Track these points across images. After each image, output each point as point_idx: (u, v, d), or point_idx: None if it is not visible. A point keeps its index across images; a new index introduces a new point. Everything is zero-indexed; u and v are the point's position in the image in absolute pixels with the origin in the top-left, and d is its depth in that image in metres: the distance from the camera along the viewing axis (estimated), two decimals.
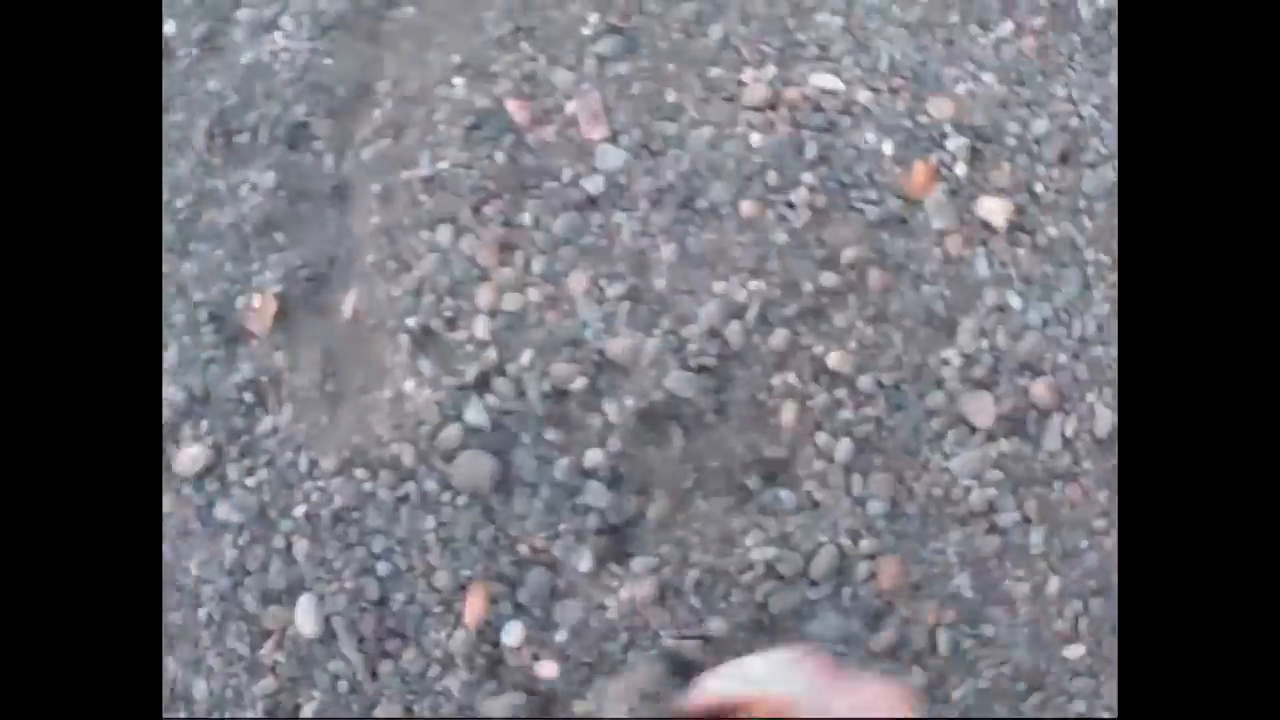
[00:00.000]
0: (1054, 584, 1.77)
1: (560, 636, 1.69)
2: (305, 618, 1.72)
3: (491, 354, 1.73)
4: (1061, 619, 1.76)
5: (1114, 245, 1.88)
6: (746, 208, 1.78)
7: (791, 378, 1.74)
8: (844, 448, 1.73)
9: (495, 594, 1.70)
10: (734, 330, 1.74)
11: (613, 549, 1.72)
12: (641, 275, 1.76)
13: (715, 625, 1.71)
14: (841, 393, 1.74)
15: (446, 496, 1.71)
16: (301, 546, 1.72)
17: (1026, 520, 1.77)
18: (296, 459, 1.75)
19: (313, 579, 1.72)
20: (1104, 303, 1.84)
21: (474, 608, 1.70)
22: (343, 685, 1.71)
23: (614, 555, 1.71)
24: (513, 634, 1.69)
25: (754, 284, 1.75)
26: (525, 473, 1.70)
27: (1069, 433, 1.80)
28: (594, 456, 1.71)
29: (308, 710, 1.70)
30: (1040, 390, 1.80)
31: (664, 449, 1.73)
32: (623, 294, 1.74)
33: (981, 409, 1.77)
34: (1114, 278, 1.87)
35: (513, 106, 1.82)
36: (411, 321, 1.74)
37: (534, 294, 1.74)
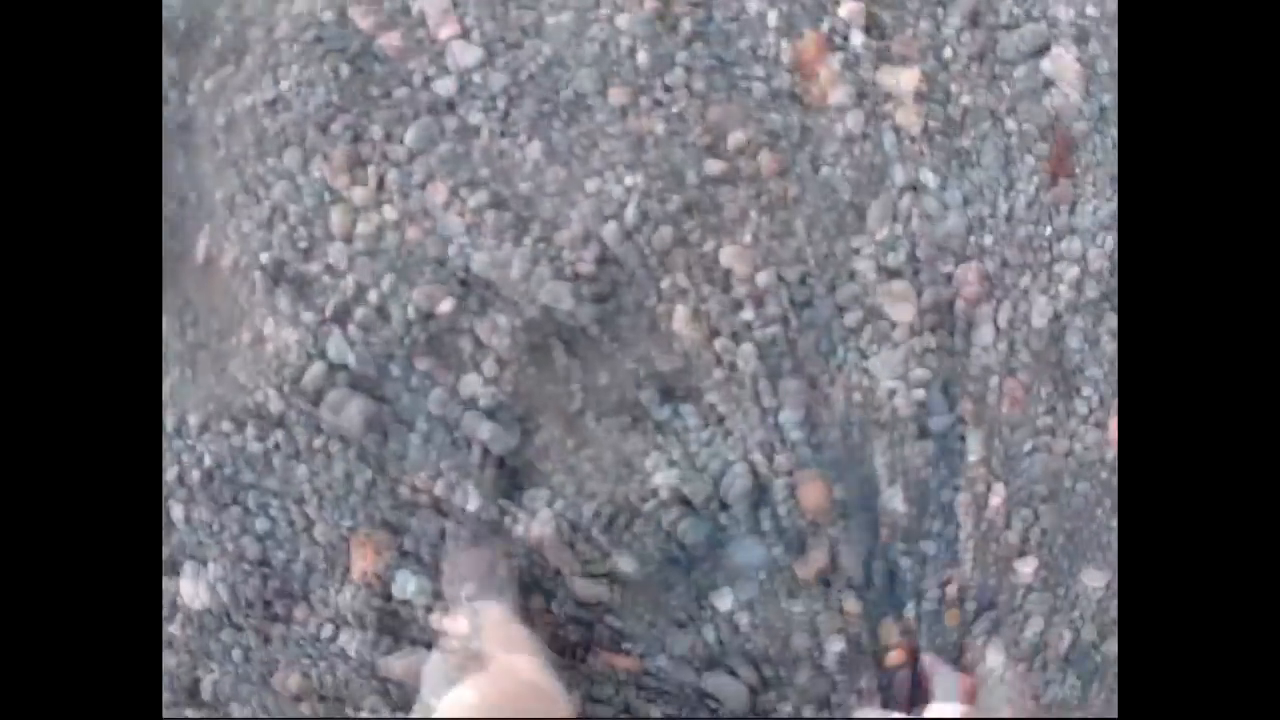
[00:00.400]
0: (998, 493, 1.59)
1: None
2: (191, 587, 1.61)
3: (350, 282, 1.58)
4: (1009, 531, 1.59)
5: (1035, 110, 1.66)
6: (616, 95, 1.58)
7: (681, 279, 1.56)
8: (747, 354, 1.56)
9: (380, 543, 1.57)
10: (611, 231, 1.56)
11: (501, 484, 1.58)
12: (505, 180, 1.58)
13: (624, 562, 1.57)
14: (739, 292, 1.56)
15: (318, 442, 1.58)
16: (177, 512, 1.60)
17: (961, 423, 1.59)
18: (161, 419, 1.63)
19: (193, 545, 1.61)
20: (1031, 177, 1.63)
21: (360, 560, 1.58)
22: (237, 654, 1.60)
23: (503, 490, 1.58)
24: (405, 585, 1.57)
25: (630, 179, 1.56)
26: (399, 409, 1.56)
27: (1003, 323, 1.61)
28: (471, 384, 1.56)
29: (207, 683, 1.60)
30: (966, 277, 1.61)
31: (547, 370, 1.57)
32: (486, 203, 1.56)
33: (901, 301, 1.59)
34: (1042, 148, 1.65)
35: (357, 14, 1.64)
36: (265, 257, 1.59)
37: (390, 212, 1.57)
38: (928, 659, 1.52)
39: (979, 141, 1.65)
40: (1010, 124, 1.66)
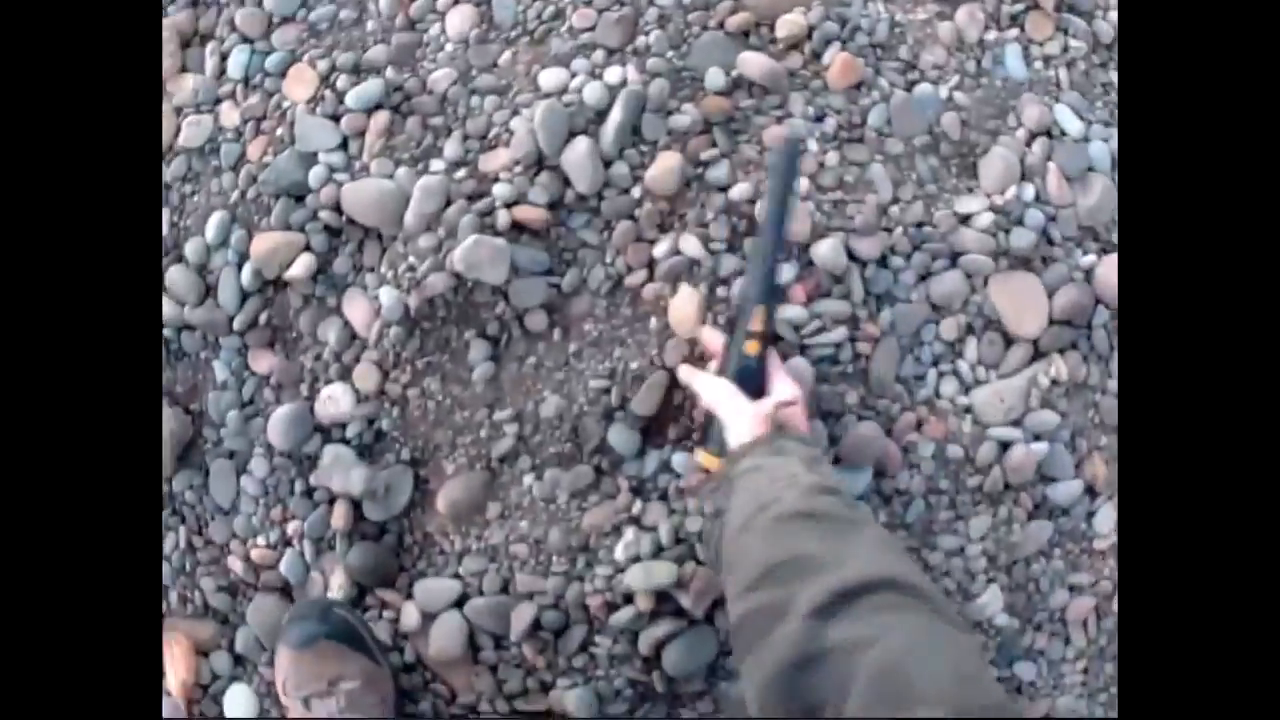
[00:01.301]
0: None
1: None
2: None
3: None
4: None
5: None
6: None
7: (685, 242, 0.95)
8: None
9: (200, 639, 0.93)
10: (580, 154, 0.91)
11: (376, 559, 0.95)
12: (408, 64, 0.93)
13: (573, 699, 0.98)
14: (783, 271, 0.97)
15: None
16: None
17: (1090, 494, 1.07)
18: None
19: None
20: None
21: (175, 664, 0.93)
22: None
23: (377, 570, 0.94)
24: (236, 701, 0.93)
25: (616, 70, 0.92)
26: (223, 438, 0.91)
27: None
28: (335, 402, 0.92)
29: None
30: (1112, 275, 1.07)
31: (457, 380, 0.94)
32: (377, 97, 0.91)
33: (1025, 305, 1.02)
34: None
35: None
36: None
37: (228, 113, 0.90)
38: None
39: None
40: None
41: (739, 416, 0.84)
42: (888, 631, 0.59)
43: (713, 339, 0.93)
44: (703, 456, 0.89)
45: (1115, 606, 1.08)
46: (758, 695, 0.63)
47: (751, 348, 0.89)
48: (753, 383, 0.88)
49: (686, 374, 0.93)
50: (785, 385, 0.88)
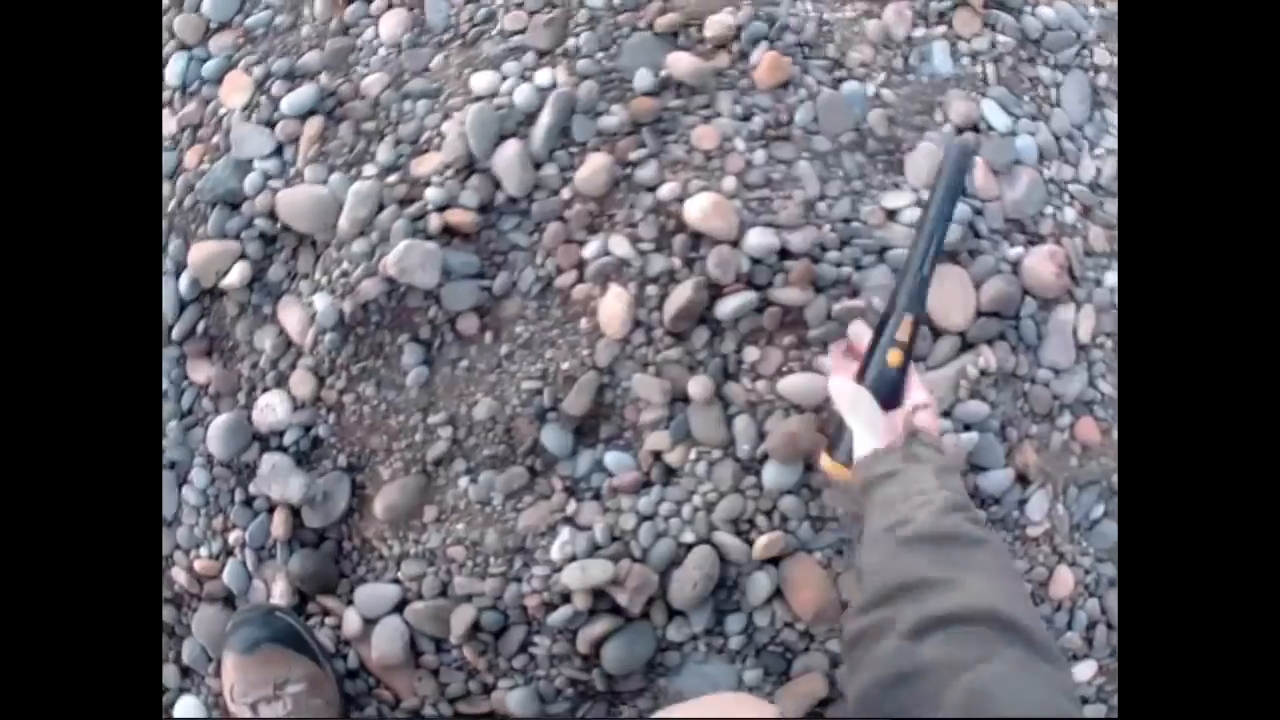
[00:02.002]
0: (1063, 579, 1.10)
1: None
2: None
3: None
4: (1071, 631, 1.11)
5: None
6: None
7: (615, 243, 0.96)
8: (716, 370, 0.98)
9: None
10: (509, 158, 0.92)
11: (316, 567, 0.95)
12: (341, 69, 0.93)
13: (514, 700, 0.99)
14: (711, 267, 0.98)
15: None
16: None
17: (1021, 482, 1.08)
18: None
19: None
20: None
21: None
22: None
23: (318, 578, 0.95)
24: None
25: (547, 73, 0.92)
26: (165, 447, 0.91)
27: (1084, 334, 1.09)
28: (272, 409, 0.92)
29: None
30: (1040, 266, 1.08)
31: (391, 386, 0.94)
32: (309, 103, 0.91)
33: (953, 298, 1.04)
34: None
35: None
36: None
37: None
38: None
39: (1059, 72, 1.11)
40: (1100, 54, 1.13)
41: (872, 426, 0.84)
42: (982, 659, 0.61)
43: (860, 337, 0.92)
44: (828, 464, 0.88)
45: (1051, 593, 1.10)
46: (854, 708, 0.65)
47: (894, 359, 0.86)
48: (890, 393, 0.86)
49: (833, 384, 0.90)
50: (920, 391, 0.87)
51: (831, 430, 0.90)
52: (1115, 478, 1.11)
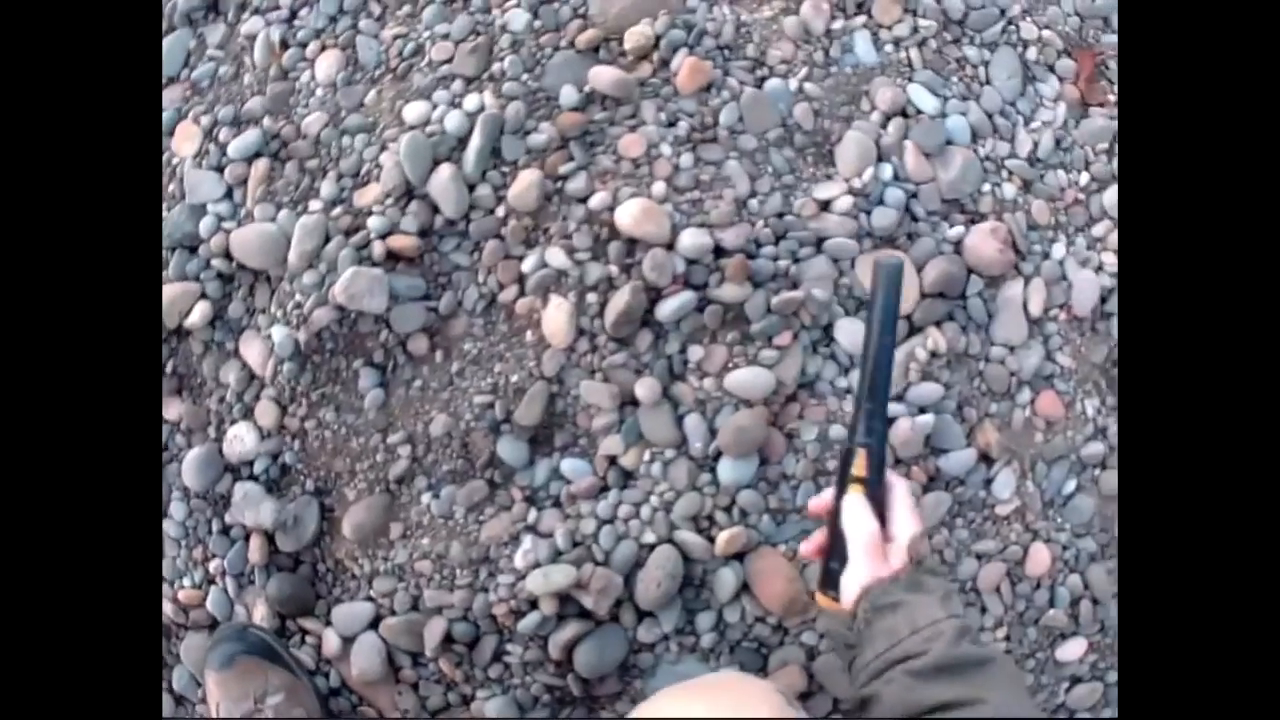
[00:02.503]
0: (1039, 556, 1.09)
1: None
2: None
3: None
4: (1054, 608, 1.10)
5: (1056, 13, 1.16)
6: None
7: (552, 255, 0.99)
8: (663, 373, 1.00)
9: None
10: (443, 182, 0.96)
11: (291, 589, 0.98)
12: (284, 113, 0.97)
13: (493, 709, 1.01)
14: (646, 270, 1.00)
15: None
16: None
17: (984, 461, 1.07)
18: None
19: None
20: (1056, 104, 1.11)
21: None
22: None
23: (293, 601, 0.98)
24: None
25: (475, 97, 0.96)
26: None
27: (1034, 309, 1.09)
28: (241, 440, 0.96)
29: None
30: (982, 243, 1.08)
31: (349, 410, 0.97)
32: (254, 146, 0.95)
33: None
34: (1066, 65, 1.15)
35: None
36: None
37: None
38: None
39: (986, 50, 1.12)
40: (1027, 29, 1.14)
41: (870, 554, 0.81)
42: None
43: (817, 505, 0.88)
44: (822, 600, 0.84)
45: (1028, 571, 1.09)
46: None
47: (858, 471, 0.82)
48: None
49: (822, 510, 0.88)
50: (914, 518, 0.84)
51: (824, 562, 0.85)
52: (1084, 450, 1.11)
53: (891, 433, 1.02)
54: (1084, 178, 1.12)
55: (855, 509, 0.84)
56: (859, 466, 0.82)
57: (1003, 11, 1.12)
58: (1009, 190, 1.09)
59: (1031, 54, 1.13)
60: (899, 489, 0.86)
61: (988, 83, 1.11)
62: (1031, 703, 0.74)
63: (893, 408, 1.02)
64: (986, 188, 1.08)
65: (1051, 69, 1.14)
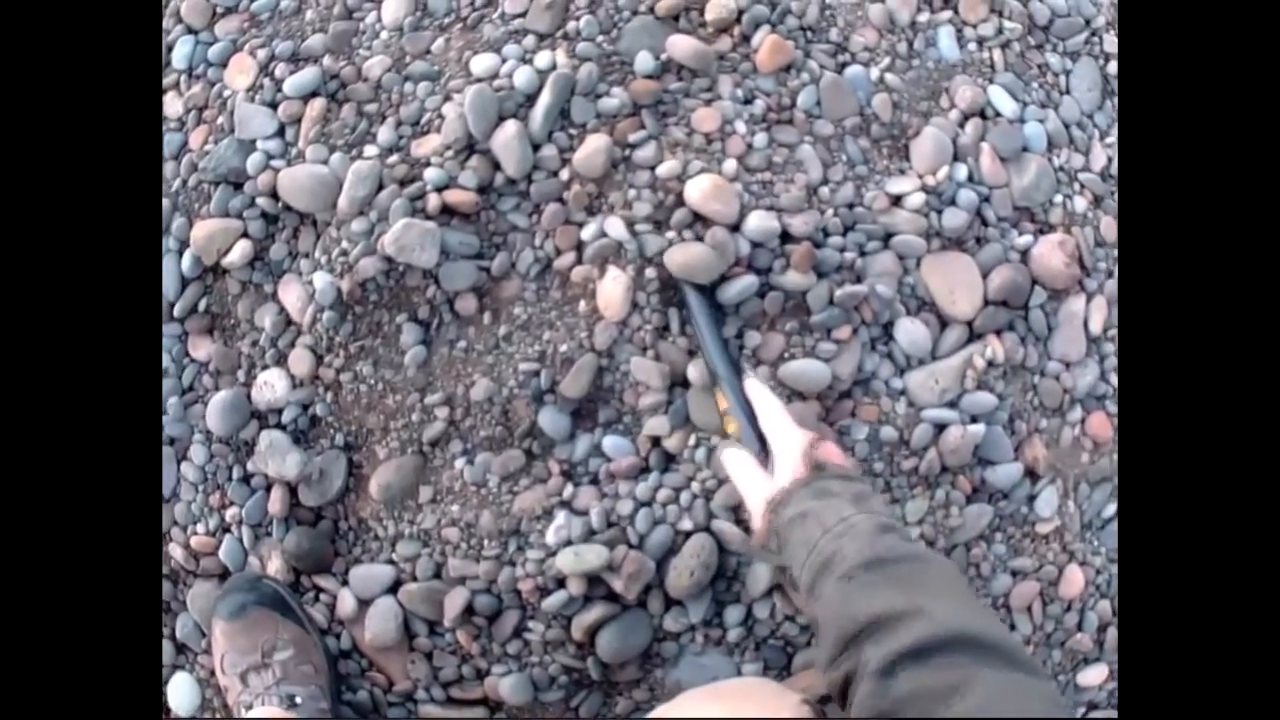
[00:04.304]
0: (1073, 578, 1.07)
1: None
2: None
3: None
4: (1082, 632, 1.08)
5: None
6: None
7: (612, 225, 0.95)
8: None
9: None
10: (507, 138, 0.92)
11: (311, 545, 0.95)
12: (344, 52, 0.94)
13: (508, 686, 0.98)
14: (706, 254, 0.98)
15: None
16: None
17: (1030, 477, 1.05)
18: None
19: None
20: None
21: None
22: None
23: (313, 557, 0.95)
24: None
25: (547, 55, 0.93)
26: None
27: (1095, 326, 1.06)
28: (272, 387, 0.92)
29: None
30: (1050, 254, 1.05)
31: (388, 365, 0.94)
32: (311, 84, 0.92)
33: (960, 285, 1.02)
34: None
35: None
36: None
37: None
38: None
39: (1068, 59, 1.10)
40: (1110, 42, 1.11)
41: (750, 488, 0.83)
42: (962, 686, 0.57)
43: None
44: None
45: (1061, 592, 1.07)
46: None
47: (729, 426, 0.90)
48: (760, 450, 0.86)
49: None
50: (790, 429, 0.84)
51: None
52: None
53: (941, 439, 1.00)
54: None
55: (727, 454, 0.87)
56: (720, 403, 0.92)
57: (1088, 22, 1.10)
58: (1080, 204, 1.06)
59: (1113, 67, 1.10)
60: (762, 402, 0.87)
61: (1067, 92, 1.08)
62: (977, 607, 0.68)
63: (945, 414, 1.00)
64: (1058, 199, 1.06)
65: None
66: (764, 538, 0.80)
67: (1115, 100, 1.11)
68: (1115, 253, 1.08)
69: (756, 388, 0.90)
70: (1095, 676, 1.10)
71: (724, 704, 0.81)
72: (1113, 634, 1.09)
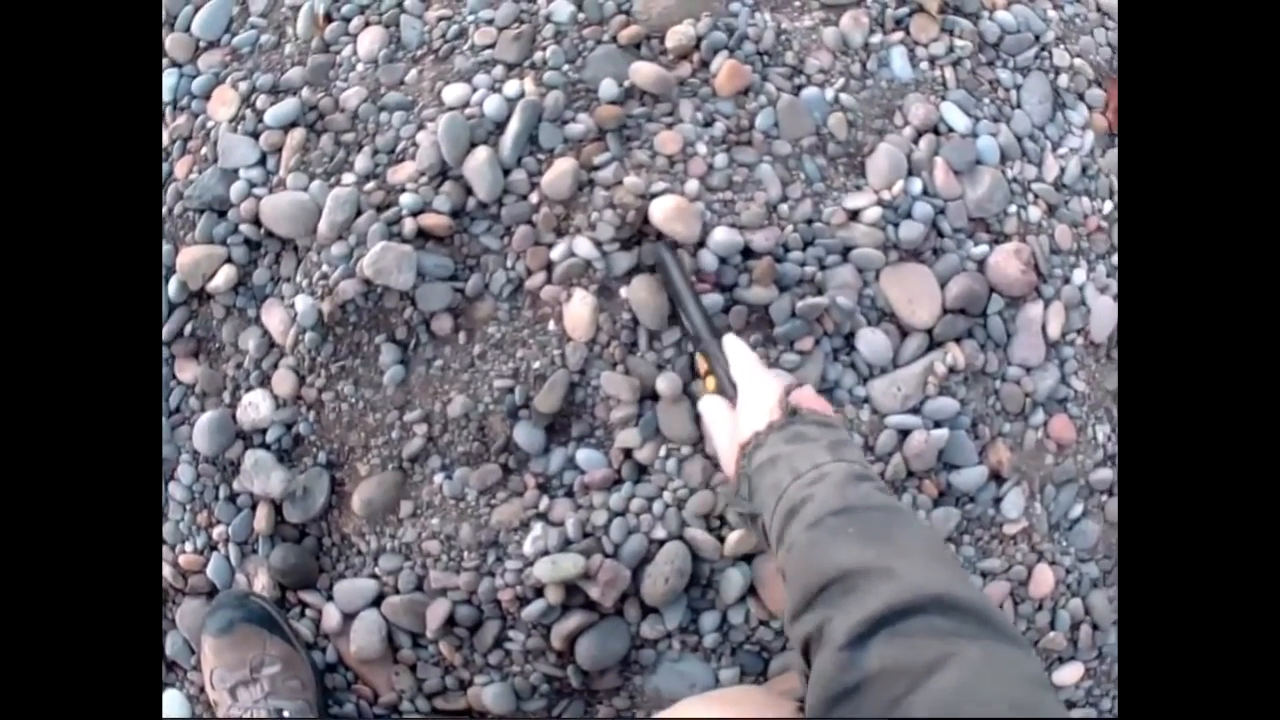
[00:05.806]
0: (1042, 578, 1.10)
1: None
2: None
3: None
4: (1055, 631, 1.10)
5: (1088, 42, 1.18)
6: None
7: (580, 245, 0.99)
8: (684, 368, 1.01)
9: None
10: (478, 163, 0.96)
11: (296, 561, 0.98)
12: (322, 85, 0.97)
13: (490, 695, 1.01)
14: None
15: None
16: None
17: (995, 479, 1.08)
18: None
19: None
20: (1084, 131, 1.13)
21: None
22: None
23: (298, 573, 0.97)
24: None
25: (514, 84, 0.98)
26: None
27: (1053, 331, 1.10)
28: (255, 407, 0.95)
29: None
30: (1006, 263, 1.09)
31: (368, 384, 0.97)
32: (290, 115, 0.96)
33: (919, 295, 1.05)
34: (1096, 94, 1.17)
35: None
36: None
37: None
38: None
39: (1019, 74, 1.14)
40: (1060, 56, 1.15)
41: (724, 436, 0.82)
42: (939, 661, 0.53)
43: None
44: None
45: (1031, 592, 1.09)
46: None
47: (710, 385, 0.93)
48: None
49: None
50: (765, 376, 0.83)
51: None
52: (1093, 476, 1.12)
53: (906, 444, 1.03)
54: (1107, 206, 1.14)
55: (704, 403, 0.90)
56: (701, 367, 0.95)
57: (1037, 38, 1.14)
58: (1034, 213, 1.10)
59: (1063, 81, 1.14)
60: (738, 355, 0.89)
61: (1019, 106, 1.12)
62: (953, 566, 0.62)
63: (908, 420, 1.03)
64: (1012, 209, 1.09)
65: (1081, 97, 1.16)
66: (735, 483, 0.76)
67: (1066, 113, 1.15)
68: (1071, 260, 1.11)
69: (734, 342, 0.91)
70: (1071, 675, 1.12)
71: (724, 708, 0.82)
72: (1085, 632, 1.12)
